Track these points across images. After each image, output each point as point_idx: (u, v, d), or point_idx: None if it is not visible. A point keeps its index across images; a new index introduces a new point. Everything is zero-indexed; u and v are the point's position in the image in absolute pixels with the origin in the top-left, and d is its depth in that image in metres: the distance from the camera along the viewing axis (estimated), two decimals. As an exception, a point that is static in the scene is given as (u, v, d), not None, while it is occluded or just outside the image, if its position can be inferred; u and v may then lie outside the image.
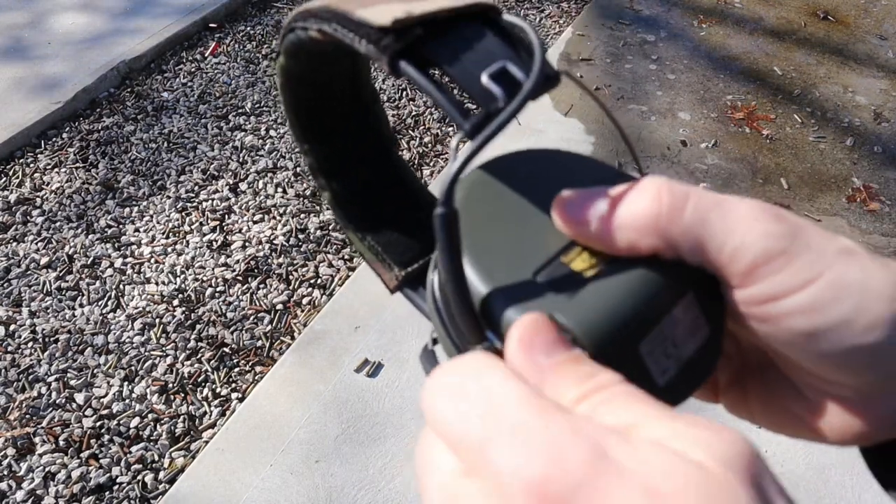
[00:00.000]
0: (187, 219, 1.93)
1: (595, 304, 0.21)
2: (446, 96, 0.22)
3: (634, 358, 0.21)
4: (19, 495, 1.36)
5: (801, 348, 0.23)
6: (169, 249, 1.84)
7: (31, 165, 2.07)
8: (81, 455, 1.42)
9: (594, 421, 0.17)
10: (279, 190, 2.01)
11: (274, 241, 1.86)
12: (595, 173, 0.25)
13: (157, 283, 1.76)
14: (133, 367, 1.57)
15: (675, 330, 0.22)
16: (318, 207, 1.97)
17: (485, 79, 0.21)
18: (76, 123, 2.22)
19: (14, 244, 1.85)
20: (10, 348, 1.61)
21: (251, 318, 1.68)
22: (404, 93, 2.37)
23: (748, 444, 0.17)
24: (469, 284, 0.22)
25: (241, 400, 1.51)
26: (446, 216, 0.20)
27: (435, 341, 0.26)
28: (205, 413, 1.50)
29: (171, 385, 1.54)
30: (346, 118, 0.32)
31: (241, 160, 2.11)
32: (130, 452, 1.43)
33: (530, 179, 0.26)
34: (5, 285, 1.75)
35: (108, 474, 1.39)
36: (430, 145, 2.19)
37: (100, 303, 1.71)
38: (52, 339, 1.63)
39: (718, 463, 0.16)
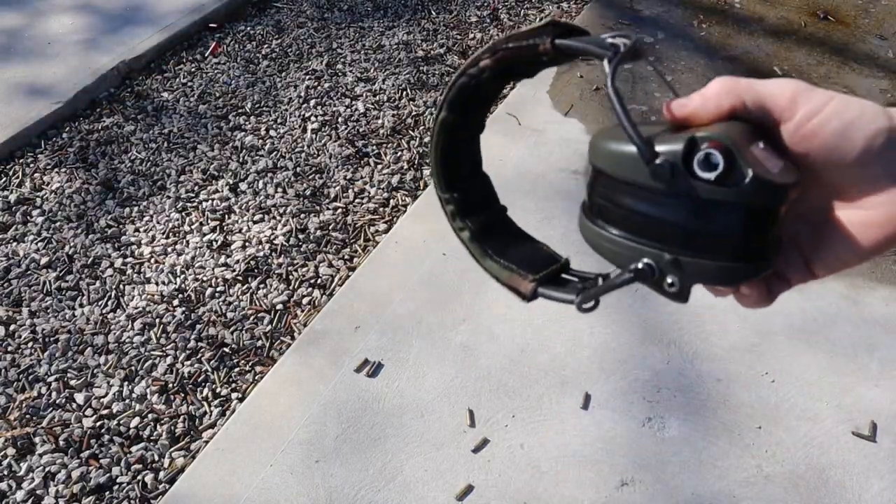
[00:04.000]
0: (187, 219, 1.93)
1: (713, 128, 0.35)
2: (590, 45, 0.36)
3: (749, 153, 0.33)
4: (19, 495, 1.36)
5: (842, 148, 0.34)
6: (169, 249, 1.84)
7: (31, 165, 2.07)
8: (81, 455, 1.42)
9: None
10: (279, 190, 2.01)
11: (274, 241, 1.86)
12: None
13: (157, 283, 1.76)
14: (133, 367, 1.57)
15: (764, 151, 0.35)
16: (318, 207, 1.97)
17: (609, 40, 0.36)
18: (76, 123, 2.22)
19: (14, 244, 1.85)
20: (10, 348, 1.61)
21: (251, 318, 1.68)
22: (404, 93, 2.38)
23: None
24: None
25: (241, 400, 1.51)
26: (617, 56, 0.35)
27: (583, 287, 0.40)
28: (205, 413, 1.50)
29: (171, 385, 1.54)
30: (474, 167, 0.47)
31: (241, 160, 2.11)
32: (130, 452, 1.43)
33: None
34: (5, 285, 1.75)
35: (108, 474, 1.39)
36: (430, 145, 2.18)
37: (100, 303, 1.71)
38: (52, 339, 1.63)
39: None
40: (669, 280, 0.35)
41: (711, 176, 0.33)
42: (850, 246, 0.37)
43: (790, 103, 0.35)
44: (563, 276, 0.43)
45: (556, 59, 0.38)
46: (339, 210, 1.96)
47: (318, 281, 1.77)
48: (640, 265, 0.36)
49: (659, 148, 0.34)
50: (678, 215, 0.35)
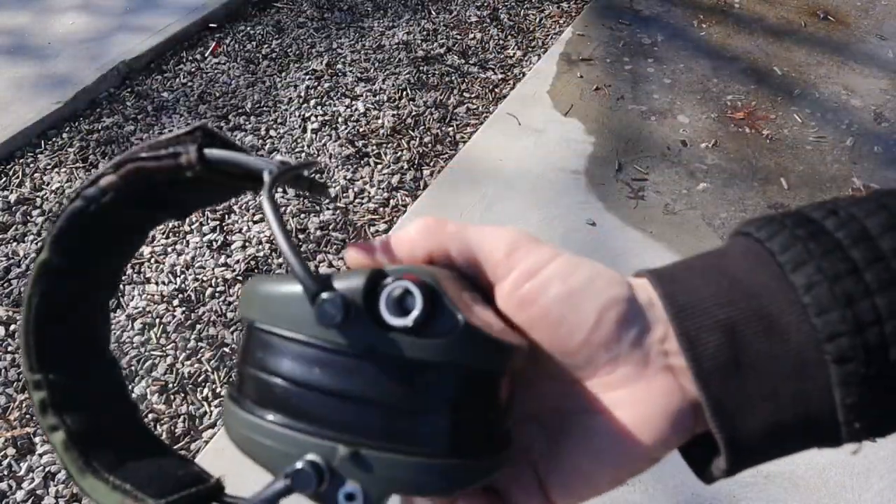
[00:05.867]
0: (187, 219, 1.92)
1: (407, 265, 0.27)
2: (251, 157, 0.28)
3: (458, 293, 0.26)
4: (19, 495, 1.36)
5: (568, 321, 0.27)
6: (169, 249, 1.84)
7: (32, 165, 2.07)
8: (81, 455, 1.42)
9: None
10: (279, 190, 2.01)
11: (274, 241, 1.86)
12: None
13: (157, 283, 1.76)
14: (133, 367, 1.57)
15: (476, 302, 0.27)
16: (317, 207, 1.97)
17: (278, 158, 0.28)
18: (76, 123, 2.22)
19: (14, 244, 1.85)
20: (10, 348, 1.61)
21: (251, 318, 1.68)
22: (404, 93, 2.38)
23: None
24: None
25: (241, 400, 1.51)
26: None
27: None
28: (205, 413, 1.50)
29: (171, 385, 1.54)
30: (92, 342, 0.32)
31: (241, 160, 2.11)
32: (130, 452, 1.43)
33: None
34: (5, 285, 1.75)
35: (108, 474, 1.39)
36: (430, 145, 2.19)
37: (100, 303, 1.71)
38: (52, 339, 1.63)
39: None
40: (348, 489, 0.24)
41: (406, 322, 0.23)
42: (596, 464, 0.28)
43: (506, 258, 0.27)
44: None
45: (204, 176, 0.28)
46: (339, 210, 1.96)
47: (318, 281, 1.77)
48: (299, 465, 0.23)
49: (337, 282, 0.24)
50: (357, 383, 0.24)
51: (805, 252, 0.25)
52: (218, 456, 1.36)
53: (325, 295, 0.23)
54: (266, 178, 0.26)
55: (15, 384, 1.54)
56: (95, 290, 0.32)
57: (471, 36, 2.68)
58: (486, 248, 0.27)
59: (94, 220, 0.29)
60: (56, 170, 2.06)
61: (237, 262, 1.81)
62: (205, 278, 1.77)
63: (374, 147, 2.17)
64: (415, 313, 0.23)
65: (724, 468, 0.27)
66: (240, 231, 1.90)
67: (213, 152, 0.27)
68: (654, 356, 0.27)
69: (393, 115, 2.28)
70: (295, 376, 0.24)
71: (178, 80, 2.41)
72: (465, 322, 0.24)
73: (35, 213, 1.93)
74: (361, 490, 0.24)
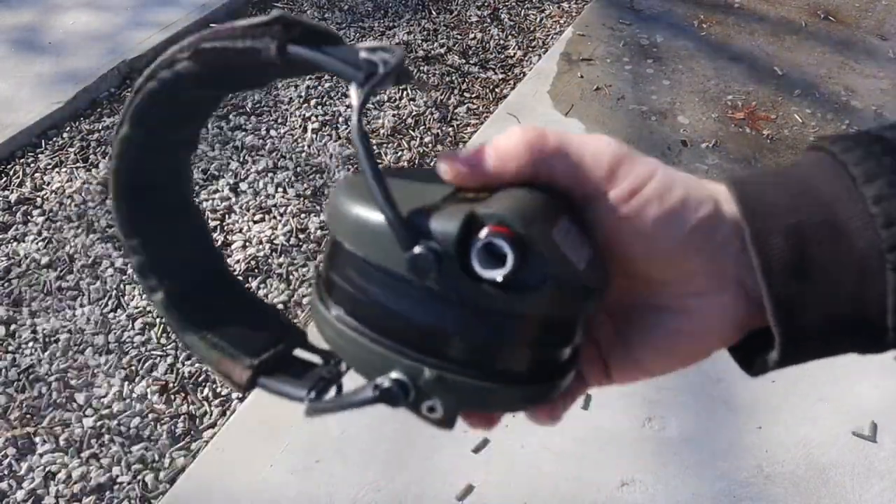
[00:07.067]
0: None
1: (504, 201, 0.26)
2: (336, 59, 0.26)
3: (551, 242, 0.25)
4: (20, 495, 1.36)
5: (660, 239, 0.28)
6: (169, 249, 1.84)
7: (32, 165, 2.07)
8: (82, 455, 1.42)
9: None
10: (279, 190, 2.01)
11: (274, 241, 1.86)
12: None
13: (157, 283, 1.76)
14: (133, 367, 1.58)
15: (569, 236, 0.26)
16: (318, 207, 1.97)
17: (363, 55, 0.26)
18: (77, 123, 2.22)
19: (14, 244, 1.85)
20: (10, 348, 1.61)
21: (251, 317, 1.68)
22: (405, 93, 2.38)
23: None
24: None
25: (241, 400, 1.51)
26: (361, 133, 0.25)
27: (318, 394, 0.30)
28: (205, 413, 1.50)
29: (171, 385, 1.54)
30: (177, 202, 0.34)
31: (241, 160, 2.11)
32: (131, 452, 1.43)
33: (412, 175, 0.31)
34: (5, 285, 1.75)
35: (108, 474, 1.39)
36: (430, 145, 2.19)
37: (100, 302, 1.71)
38: (52, 338, 1.63)
39: None
40: (429, 404, 0.26)
41: (495, 275, 0.24)
42: (654, 355, 0.31)
43: (608, 174, 0.28)
44: (297, 354, 0.33)
45: (288, 70, 0.28)
46: (340, 210, 1.96)
47: (319, 281, 1.77)
48: (386, 383, 0.26)
49: (432, 225, 0.24)
50: (445, 319, 0.25)
51: (878, 166, 0.27)
52: (219, 456, 1.36)
53: (417, 249, 0.24)
54: (354, 96, 0.25)
55: (15, 384, 1.54)
56: (175, 155, 0.34)
57: (471, 36, 2.68)
58: (587, 164, 0.28)
59: (170, 100, 0.30)
60: (56, 170, 2.06)
61: (237, 261, 1.81)
62: (205, 278, 1.77)
63: (375, 147, 2.17)
64: (505, 269, 0.24)
65: (777, 360, 0.29)
66: (240, 231, 1.90)
67: (294, 52, 0.26)
68: (729, 268, 0.29)
69: (393, 115, 2.28)
70: (385, 302, 0.26)
71: (178, 79, 2.41)
72: (553, 279, 0.25)
73: (35, 212, 1.93)
74: (443, 406, 0.26)
